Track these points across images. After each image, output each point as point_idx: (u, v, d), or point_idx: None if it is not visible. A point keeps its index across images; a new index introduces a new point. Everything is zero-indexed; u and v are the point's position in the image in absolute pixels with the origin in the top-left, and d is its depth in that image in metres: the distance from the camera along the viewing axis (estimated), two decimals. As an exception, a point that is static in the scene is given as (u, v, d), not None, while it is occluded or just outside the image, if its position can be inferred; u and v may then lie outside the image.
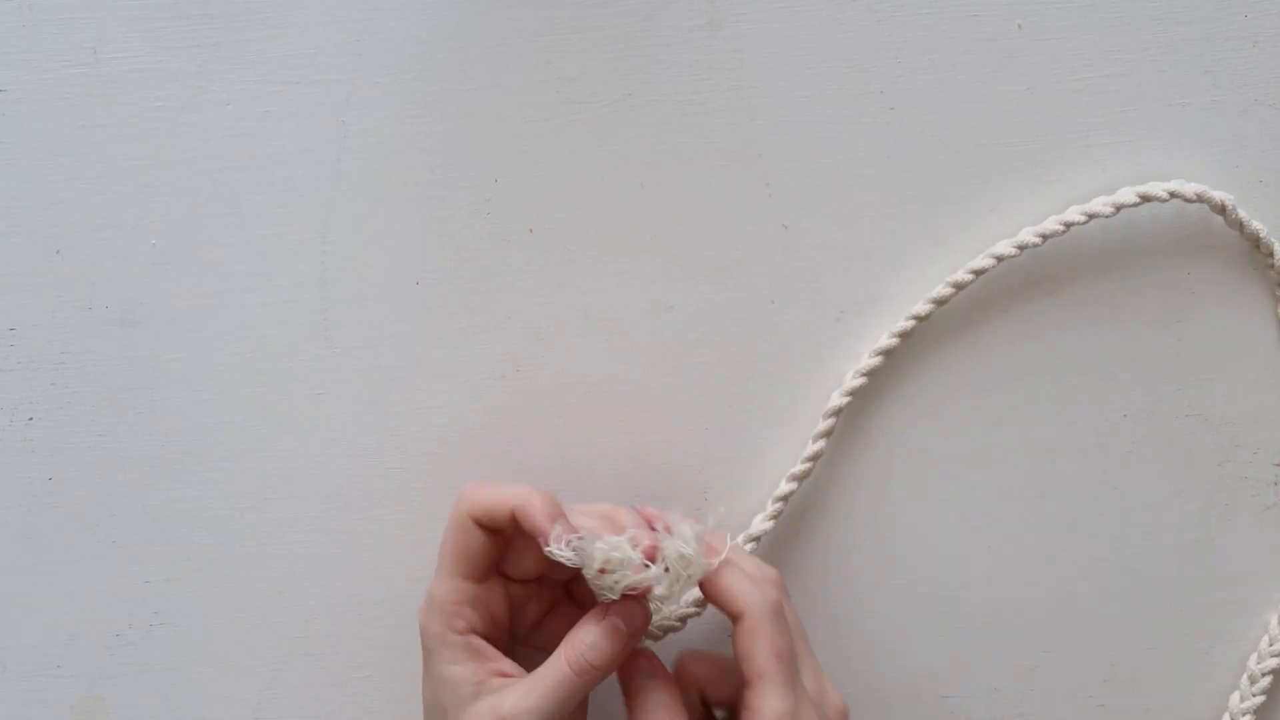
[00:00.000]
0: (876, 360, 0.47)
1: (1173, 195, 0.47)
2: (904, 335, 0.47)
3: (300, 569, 0.48)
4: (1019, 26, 0.47)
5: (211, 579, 0.48)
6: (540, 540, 0.39)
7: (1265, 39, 0.48)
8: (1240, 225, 0.47)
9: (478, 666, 0.41)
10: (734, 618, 0.41)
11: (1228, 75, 0.48)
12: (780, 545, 0.49)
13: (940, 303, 0.47)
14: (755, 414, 0.48)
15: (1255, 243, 0.48)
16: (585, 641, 0.40)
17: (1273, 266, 0.48)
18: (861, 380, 0.47)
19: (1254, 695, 0.49)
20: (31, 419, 0.48)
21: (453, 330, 0.48)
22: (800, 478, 0.47)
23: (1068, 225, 0.47)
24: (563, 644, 0.40)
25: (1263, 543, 0.49)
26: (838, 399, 0.47)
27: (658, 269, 0.48)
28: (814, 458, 0.47)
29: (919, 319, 0.47)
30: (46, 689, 0.49)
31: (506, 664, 0.41)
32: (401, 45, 0.47)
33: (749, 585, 0.41)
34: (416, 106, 0.47)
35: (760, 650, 0.40)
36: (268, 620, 0.49)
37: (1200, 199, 0.47)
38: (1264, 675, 0.49)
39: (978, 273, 0.47)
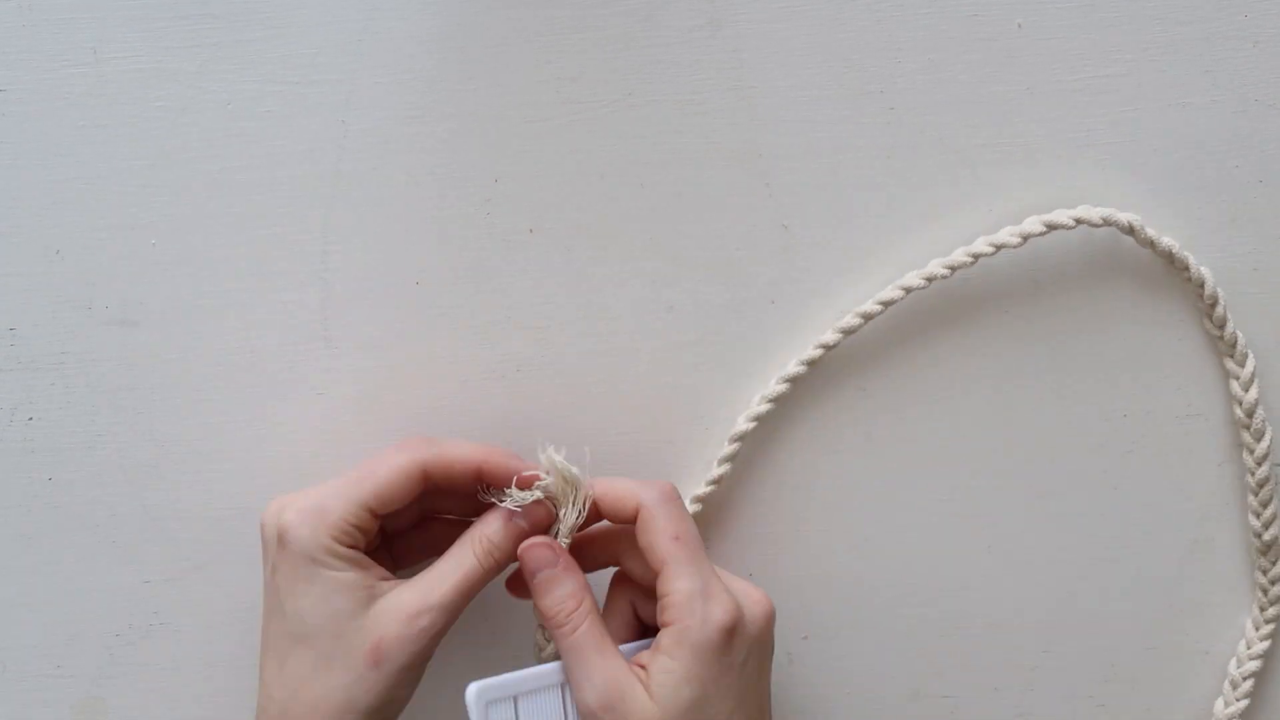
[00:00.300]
0: (783, 387, 0.47)
1: (1079, 221, 0.47)
2: (811, 363, 0.47)
3: (300, 569, 0.48)
4: (1019, 26, 0.47)
5: (211, 579, 0.48)
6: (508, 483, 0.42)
7: (1265, 39, 0.48)
8: (1151, 243, 0.47)
9: (365, 573, 0.42)
10: (631, 519, 0.42)
11: (1228, 75, 0.48)
12: (780, 545, 0.49)
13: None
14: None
15: (1169, 259, 0.47)
16: (491, 537, 0.42)
17: (1189, 279, 0.48)
18: (768, 406, 0.47)
19: (1237, 700, 0.49)
20: (31, 419, 0.48)
21: (453, 330, 0.48)
22: (731, 454, 0.48)
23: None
24: (466, 540, 0.42)
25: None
26: (743, 424, 0.48)
27: (658, 269, 0.48)
28: (731, 455, 0.48)
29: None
30: (46, 689, 0.49)
31: (382, 570, 0.43)
32: (401, 45, 0.47)
33: (635, 484, 0.42)
34: (416, 106, 0.47)
35: (659, 536, 0.41)
36: (268, 620, 0.48)
37: (1106, 222, 0.47)
38: (1245, 679, 0.49)
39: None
